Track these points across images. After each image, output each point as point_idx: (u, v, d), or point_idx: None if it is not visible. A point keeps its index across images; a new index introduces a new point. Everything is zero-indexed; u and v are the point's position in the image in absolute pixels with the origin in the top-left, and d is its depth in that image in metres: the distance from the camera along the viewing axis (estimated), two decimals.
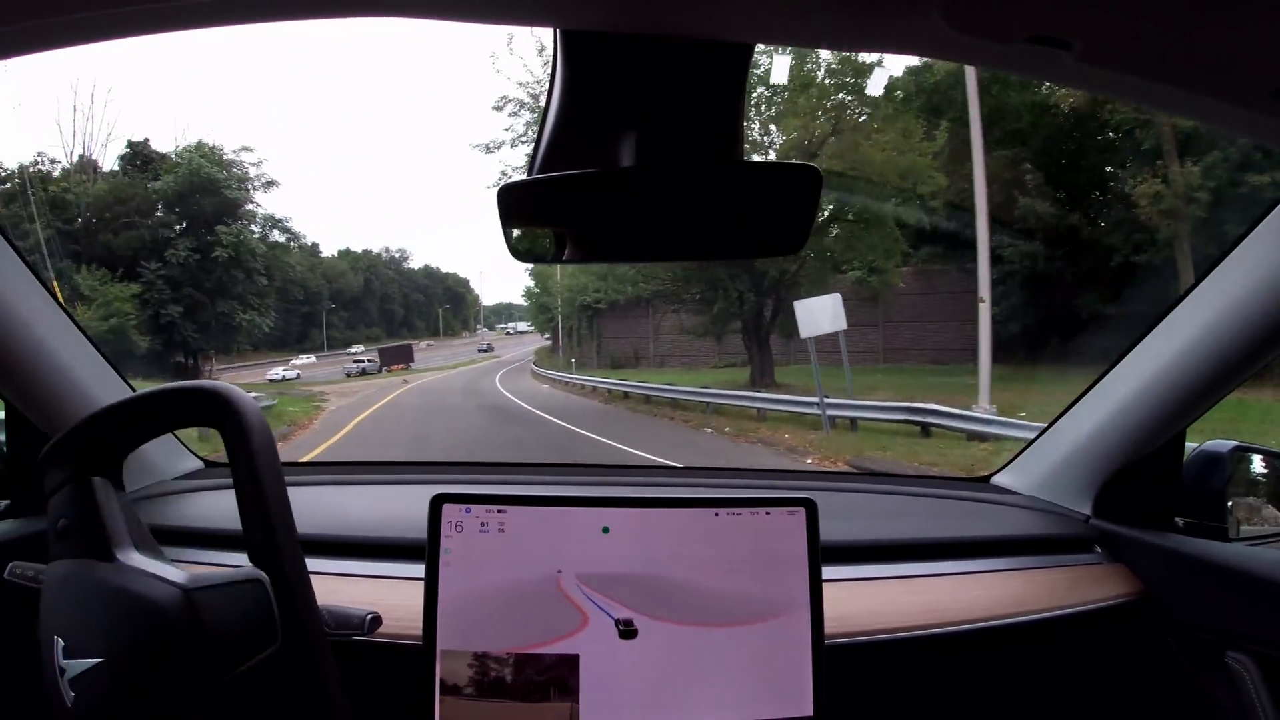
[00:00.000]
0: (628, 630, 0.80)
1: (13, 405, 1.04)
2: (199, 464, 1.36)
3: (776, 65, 12.18)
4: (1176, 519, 1.10)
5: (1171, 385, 1.01)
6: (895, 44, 0.69)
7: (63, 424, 1.05)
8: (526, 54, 14.35)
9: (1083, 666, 1.01)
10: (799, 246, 0.71)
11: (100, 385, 1.10)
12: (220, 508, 1.18)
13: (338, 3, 0.56)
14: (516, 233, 0.71)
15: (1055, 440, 1.23)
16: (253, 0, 0.54)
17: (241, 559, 1.02)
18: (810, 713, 0.81)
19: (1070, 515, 1.16)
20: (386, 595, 0.92)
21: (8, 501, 1.09)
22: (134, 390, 1.17)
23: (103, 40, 0.57)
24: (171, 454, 1.32)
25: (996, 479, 1.34)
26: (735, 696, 0.81)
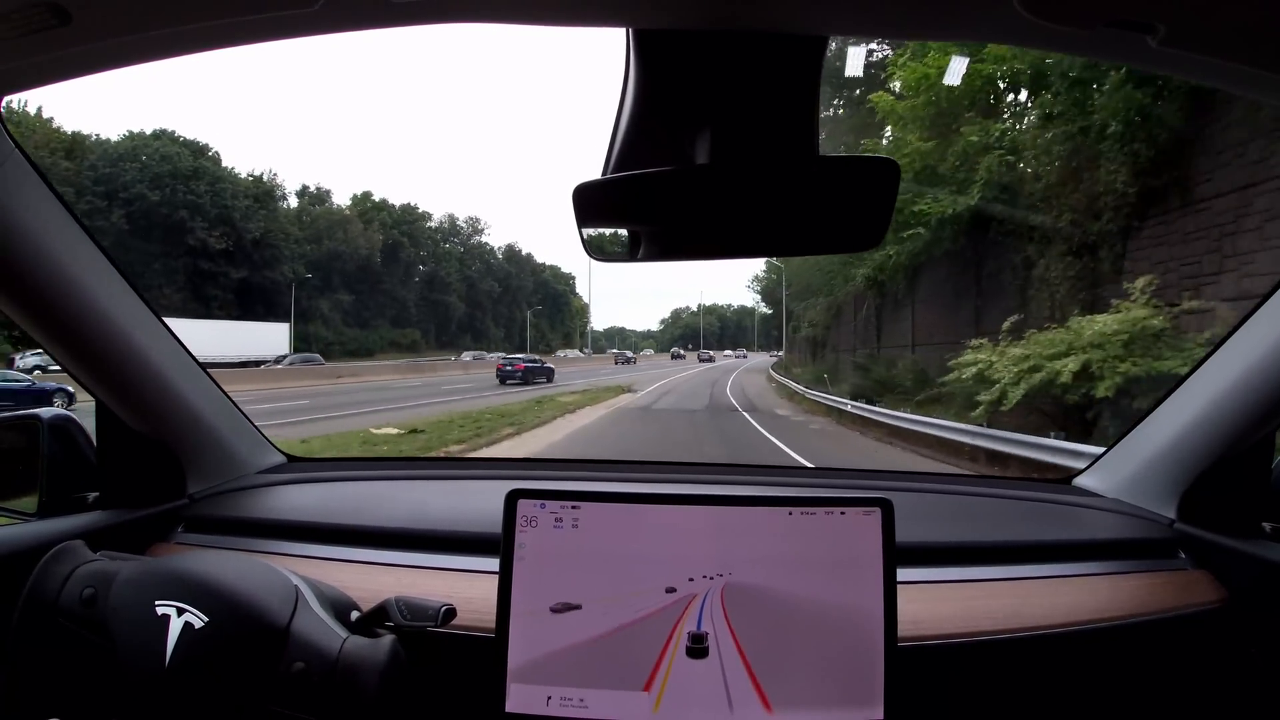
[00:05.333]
0: (698, 648, 0.80)
1: (103, 402, 1.08)
2: (282, 459, 1.40)
3: None
4: (1264, 524, 1.05)
5: (1261, 384, 0.96)
6: (972, 32, 0.68)
7: (152, 420, 1.10)
8: None
9: (1161, 676, 0.97)
10: (877, 241, 0.70)
11: (188, 383, 1.14)
12: (300, 500, 1.24)
13: (424, 12, 0.58)
14: (592, 232, 0.72)
15: (1141, 440, 1.18)
16: (347, 12, 0.56)
17: (319, 549, 1.07)
18: (880, 716, 0.79)
19: (1154, 519, 1.11)
20: (461, 588, 0.94)
21: (97, 493, 1.13)
22: (221, 389, 1.22)
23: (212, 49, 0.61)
24: (256, 449, 1.36)
25: (1079, 480, 1.29)
26: (804, 698, 0.80)
